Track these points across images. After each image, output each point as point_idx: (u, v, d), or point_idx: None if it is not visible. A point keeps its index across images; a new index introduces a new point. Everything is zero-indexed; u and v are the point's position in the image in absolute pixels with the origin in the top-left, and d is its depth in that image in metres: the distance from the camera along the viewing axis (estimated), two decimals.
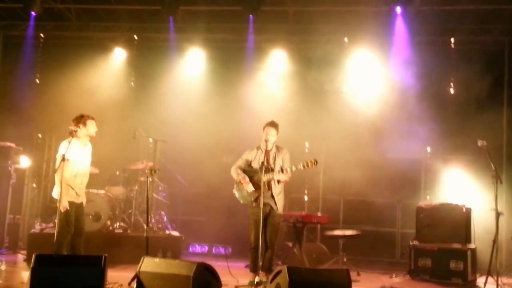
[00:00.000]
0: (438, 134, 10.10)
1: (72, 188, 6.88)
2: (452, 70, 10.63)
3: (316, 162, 6.90)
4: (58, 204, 6.62)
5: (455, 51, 10.66)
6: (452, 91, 10.56)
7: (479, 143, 7.66)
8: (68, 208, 6.73)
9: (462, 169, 10.08)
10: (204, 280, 5.58)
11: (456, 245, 8.32)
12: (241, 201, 7.29)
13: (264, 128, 7.20)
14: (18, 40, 11.49)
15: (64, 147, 6.72)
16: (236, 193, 7.33)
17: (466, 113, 10.13)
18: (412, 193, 10.46)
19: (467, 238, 8.43)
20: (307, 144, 10.63)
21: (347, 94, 10.54)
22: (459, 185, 9.90)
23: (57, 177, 6.73)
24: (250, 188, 7.12)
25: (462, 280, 8.09)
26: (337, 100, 10.41)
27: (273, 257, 7.23)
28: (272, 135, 7.15)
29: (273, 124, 7.20)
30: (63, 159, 6.60)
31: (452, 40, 10.62)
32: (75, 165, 6.92)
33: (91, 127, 7.03)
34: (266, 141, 7.10)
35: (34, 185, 10.95)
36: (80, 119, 6.98)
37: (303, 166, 6.91)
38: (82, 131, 6.97)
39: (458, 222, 8.51)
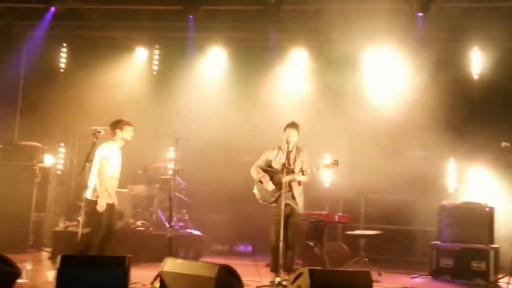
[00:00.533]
0: (461, 132, 9.99)
1: (106, 189, 7.08)
2: (477, 68, 10.47)
3: (337, 163, 6.90)
4: (85, 204, 6.83)
5: (479, 48, 10.50)
6: (476, 89, 10.40)
7: (503, 145, 7.59)
8: (105, 208, 6.96)
9: (485, 167, 9.95)
10: (227, 282, 5.61)
11: (479, 245, 8.20)
12: (261, 201, 7.30)
13: (285, 129, 7.21)
14: (42, 40, 11.63)
15: (105, 149, 7.08)
16: (256, 193, 7.35)
17: (490, 111, 10.00)
18: (434, 192, 10.34)
19: (490, 237, 8.33)
20: (327, 144, 10.57)
21: (367, 93, 10.47)
22: (482, 184, 9.78)
23: (97, 178, 7.00)
24: (270, 186, 7.14)
25: (484, 281, 7.99)
26: (357, 99, 10.33)
27: (295, 257, 7.25)
28: (294, 136, 7.17)
29: (294, 125, 7.21)
30: (102, 159, 7.01)
31: (477, 37, 10.45)
32: (112, 167, 7.18)
33: (127, 132, 7.32)
34: (288, 142, 7.12)
35: (59, 184, 11.12)
36: (118, 124, 7.27)
37: (324, 167, 6.92)
38: (118, 135, 7.25)
39: (481, 222, 8.40)
